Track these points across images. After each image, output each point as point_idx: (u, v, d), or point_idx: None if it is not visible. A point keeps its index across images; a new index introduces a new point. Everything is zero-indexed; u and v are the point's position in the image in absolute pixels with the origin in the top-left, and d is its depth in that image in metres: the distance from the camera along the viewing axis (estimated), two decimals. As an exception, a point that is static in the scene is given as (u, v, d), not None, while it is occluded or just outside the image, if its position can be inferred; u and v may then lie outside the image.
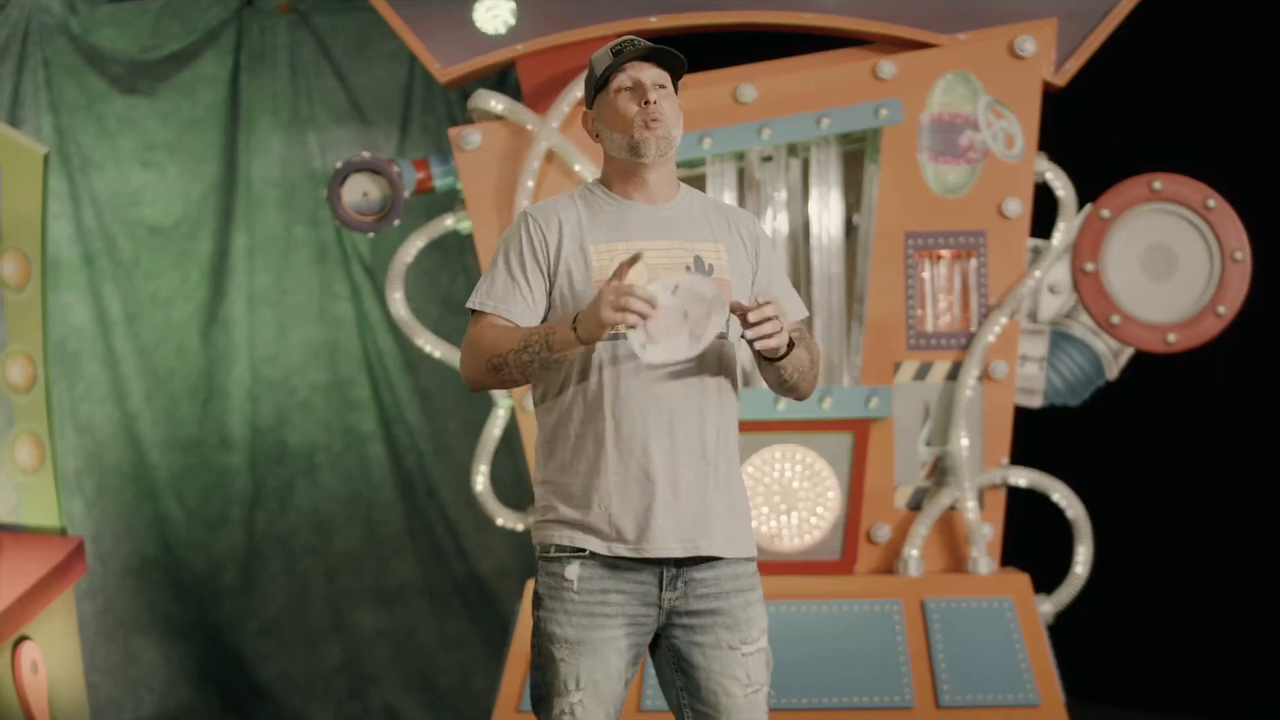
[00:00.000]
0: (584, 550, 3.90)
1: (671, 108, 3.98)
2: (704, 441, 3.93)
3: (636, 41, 3.99)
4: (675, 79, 4.03)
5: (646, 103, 3.94)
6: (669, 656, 4.00)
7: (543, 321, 3.96)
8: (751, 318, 3.77)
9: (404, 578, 8.95)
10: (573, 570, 3.90)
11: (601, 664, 3.89)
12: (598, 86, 4.02)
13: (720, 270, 3.99)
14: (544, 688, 3.93)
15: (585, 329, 3.74)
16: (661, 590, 3.92)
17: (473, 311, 4.00)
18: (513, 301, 3.94)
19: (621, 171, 4.03)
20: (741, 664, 3.95)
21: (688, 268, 3.93)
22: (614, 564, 3.90)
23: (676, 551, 3.89)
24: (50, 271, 8.47)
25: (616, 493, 3.88)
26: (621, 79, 3.98)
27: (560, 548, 3.93)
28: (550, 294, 3.96)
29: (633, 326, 3.68)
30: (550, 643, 3.91)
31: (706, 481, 3.93)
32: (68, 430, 8.70)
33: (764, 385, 7.33)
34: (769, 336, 3.78)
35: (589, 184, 4.11)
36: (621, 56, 3.96)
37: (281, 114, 8.95)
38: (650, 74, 3.98)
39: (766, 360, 3.93)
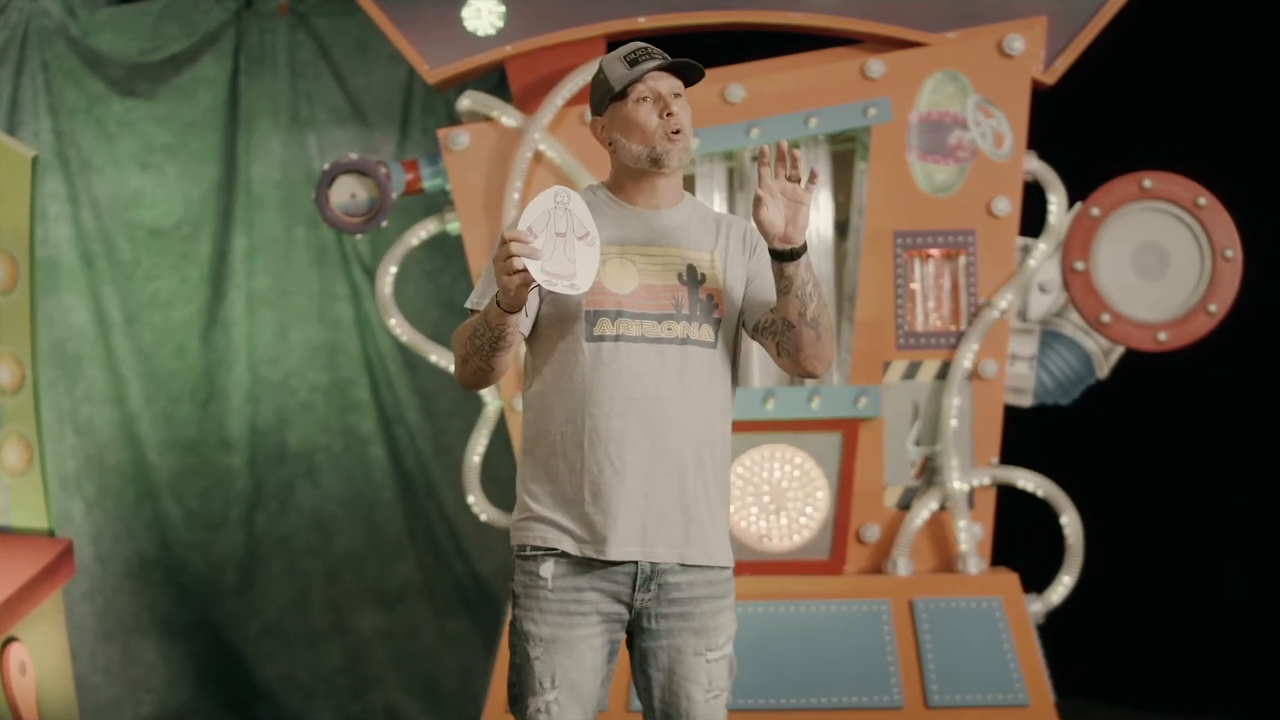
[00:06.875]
0: (557, 549, 3.90)
1: (688, 116, 3.96)
2: (683, 448, 3.91)
3: (652, 51, 3.96)
4: (687, 85, 4.01)
5: (668, 114, 3.92)
6: (635, 657, 4.01)
7: (535, 320, 3.94)
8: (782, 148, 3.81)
9: (405, 578, 8.95)
10: (547, 568, 3.91)
11: (577, 662, 3.89)
12: (613, 96, 3.98)
13: (713, 280, 3.97)
14: (519, 686, 3.93)
15: (502, 298, 3.71)
16: (634, 590, 3.91)
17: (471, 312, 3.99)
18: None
19: (633, 178, 4.00)
20: (705, 670, 3.96)
21: (680, 276, 3.92)
22: (587, 564, 3.90)
23: (635, 555, 3.88)
24: (49, 274, 8.56)
25: (589, 495, 3.88)
26: (639, 89, 3.94)
27: (535, 547, 3.93)
28: (542, 291, 3.91)
29: (523, 271, 3.62)
30: (526, 641, 3.91)
31: (683, 489, 3.92)
32: (67, 432, 8.73)
33: (753, 384, 7.33)
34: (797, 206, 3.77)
35: (593, 185, 4.08)
36: (639, 69, 3.93)
37: (281, 116, 8.95)
38: (667, 83, 3.95)
39: (779, 259, 3.81)
